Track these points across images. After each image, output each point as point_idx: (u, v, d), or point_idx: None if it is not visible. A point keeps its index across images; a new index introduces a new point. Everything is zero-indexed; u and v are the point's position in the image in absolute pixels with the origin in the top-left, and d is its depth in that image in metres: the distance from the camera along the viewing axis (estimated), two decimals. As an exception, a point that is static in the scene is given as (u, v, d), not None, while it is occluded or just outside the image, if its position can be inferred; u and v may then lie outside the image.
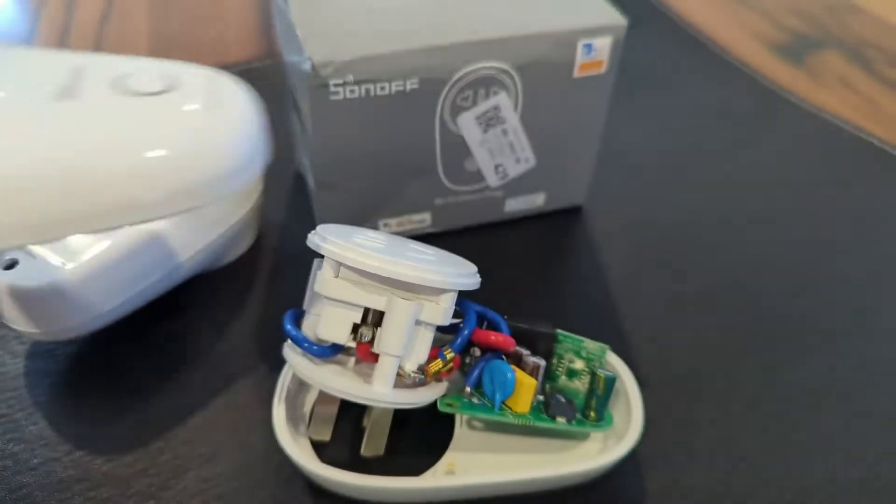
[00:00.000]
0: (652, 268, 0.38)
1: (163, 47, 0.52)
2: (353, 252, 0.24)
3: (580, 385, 0.29)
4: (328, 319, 0.25)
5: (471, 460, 0.28)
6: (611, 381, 0.27)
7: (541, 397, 0.28)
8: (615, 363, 0.30)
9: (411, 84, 0.31)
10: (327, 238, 0.24)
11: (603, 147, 0.38)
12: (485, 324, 0.28)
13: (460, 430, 0.29)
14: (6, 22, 0.55)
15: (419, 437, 0.29)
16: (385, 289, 0.25)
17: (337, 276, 0.25)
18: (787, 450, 0.30)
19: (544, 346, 0.29)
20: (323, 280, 0.24)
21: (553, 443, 0.29)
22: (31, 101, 0.21)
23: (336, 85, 0.30)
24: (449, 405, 0.26)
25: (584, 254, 0.38)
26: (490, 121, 0.34)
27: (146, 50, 0.52)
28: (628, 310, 0.35)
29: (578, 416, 0.28)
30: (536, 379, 0.27)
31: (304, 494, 0.28)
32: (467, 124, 0.34)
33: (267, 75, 0.49)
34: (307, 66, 0.29)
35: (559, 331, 0.29)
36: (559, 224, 0.40)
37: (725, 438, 0.30)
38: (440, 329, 0.26)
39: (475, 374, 0.27)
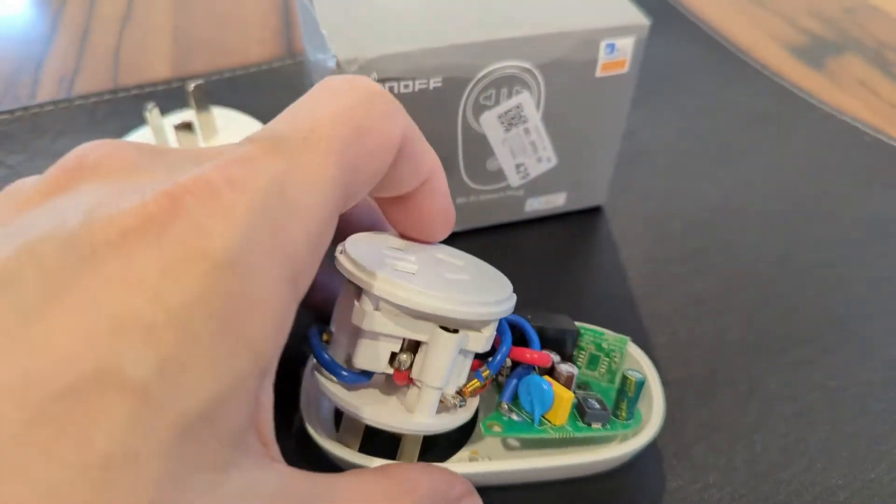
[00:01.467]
0: (672, 267, 0.38)
1: (184, 46, 0.53)
2: (396, 287, 0.22)
3: (599, 375, 0.29)
4: (366, 350, 0.24)
5: (493, 448, 0.28)
6: (640, 384, 0.27)
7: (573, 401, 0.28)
8: (636, 355, 0.30)
9: (435, 82, 0.31)
10: (362, 267, 0.23)
11: (623, 147, 0.38)
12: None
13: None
14: (27, 22, 0.56)
15: None
16: (428, 321, 0.23)
17: (377, 309, 0.23)
18: (807, 449, 0.30)
19: (570, 344, 0.29)
20: (363, 313, 0.23)
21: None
22: None
23: (360, 83, 0.30)
24: (491, 427, 0.27)
25: (604, 253, 0.38)
26: (512, 120, 0.34)
27: (168, 48, 0.52)
28: (648, 309, 0.35)
29: (611, 417, 0.28)
30: (570, 386, 0.27)
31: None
32: (490, 123, 0.34)
33: (288, 74, 0.49)
34: (332, 64, 0.30)
35: (579, 324, 0.29)
36: (580, 224, 0.40)
37: (745, 437, 0.30)
38: None
39: (511, 388, 0.27)
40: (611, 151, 0.38)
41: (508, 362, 0.27)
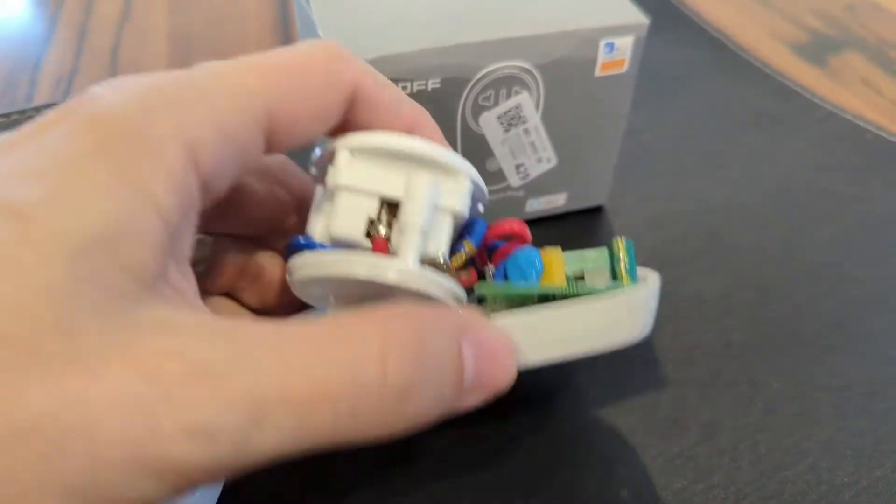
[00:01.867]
0: (673, 267, 0.37)
1: (182, 46, 0.53)
2: (366, 135, 0.23)
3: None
4: (343, 210, 0.23)
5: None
6: (630, 245, 0.26)
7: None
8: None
9: (433, 83, 0.31)
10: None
11: (624, 147, 0.38)
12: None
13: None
14: (25, 23, 0.56)
15: None
16: (402, 168, 0.23)
17: (352, 164, 0.23)
18: (811, 448, 0.30)
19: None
20: (336, 170, 0.23)
21: None
22: None
23: (358, 84, 0.30)
24: (486, 290, 0.25)
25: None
26: (512, 120, 0.34)
27: (165, 48, 0.52)
28: (650, 309, 0.35)
29: (610, 279, 0.26)
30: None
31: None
32: (489, 124, 0.34)
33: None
34: (330, 66, 0.29)
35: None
36: (580, 224, 0.39)
37: (749, 437, 0.30)
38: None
39: (499, 272, 0.26)
40: (611, 151, 0.38)
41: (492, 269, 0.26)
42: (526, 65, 0.32)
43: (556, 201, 0.38)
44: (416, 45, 0.31)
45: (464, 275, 0.24)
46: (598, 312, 0.24)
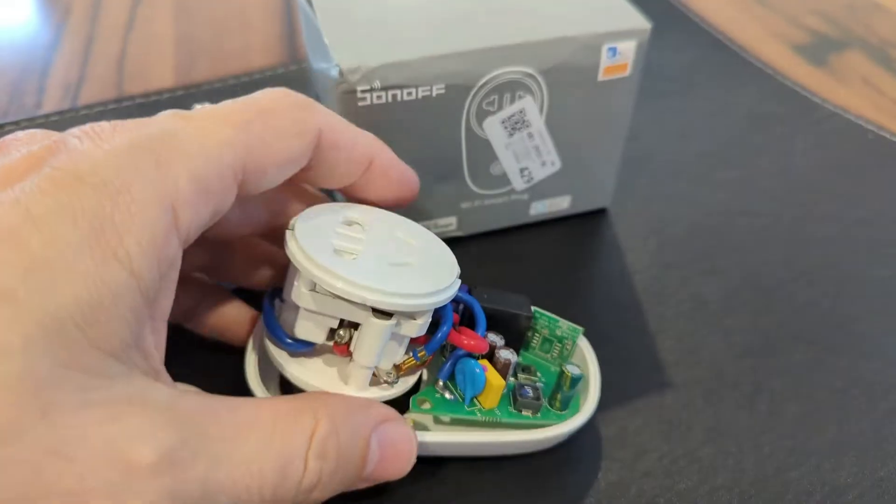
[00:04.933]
0: (678, 269, 0.38)
1: (187, 53, 0.53)
2: (329, 275, 0.23)
3: (551, 357, 0.31)
4: (305, 324, 0.25)
5: (428, 421, 0.29)
6: (576, 380, 0.28)
7: (512, 380, 0.29)
8: (584, 348, 0.31)
9: (437, 89, 0.32)
10: (302, 248, 0.24)
11: (628, 149, 0.38)
12: (461, 307, 0.29)
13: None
14: (32, 31, 0.56)
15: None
16: (361, 307, 0.24)
17: (313, 290, 0.24)
18: (815, 449, 0.30)
19: (520, 328, 0.30)
20: (299, 293, 0.24)
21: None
22: None
23: (363, 91, 0.30)
24: (421, 404, 0.28)
25: (609, 256, 0.38)
26: (515, 125, 0.34)
27: (171, 56, 0.53)
28: (654, 311, 0.35)
29: (545, 405, 0.29)
30: (506, 375, 0.28)
31: None
32: (493, 128, 0.34)
33: (291, 82, 0.49)
34: (335, 73, 0.30)
35: (535, 309, 0.30)
36: (585, 227, 0.40)
37: (753, 438, 0.30)
38: None
39: (447, 366, 0.28)
40: (615, 154, 0.38)
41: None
42: (529, 70, 0.32)
43: (560, 204, 0.39)
44: (421, 53, 0.31)
45: (416, 366, 0.27)
46: (508, 446, 0.29)
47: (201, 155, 0.21)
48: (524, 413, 0.28)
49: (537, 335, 0.30)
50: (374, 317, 0.24)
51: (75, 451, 0.16)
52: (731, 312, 0.36)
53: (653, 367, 0.33)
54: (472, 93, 0.32)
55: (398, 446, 0.24)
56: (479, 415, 0.28)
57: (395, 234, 0.27)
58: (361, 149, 0.27)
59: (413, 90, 0.31)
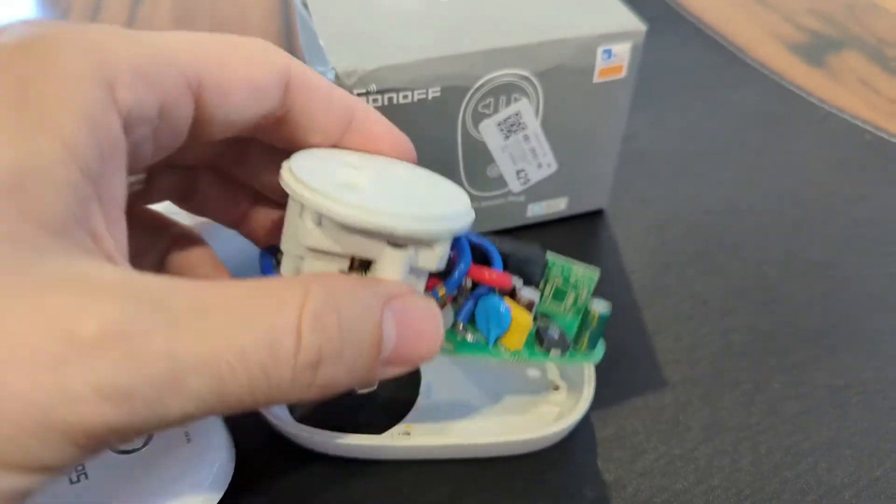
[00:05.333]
0: (675, 269, 0.38)
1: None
2: (335, 202, 0.20)
3: (564, 309, 0.29)
4: (313, 269, 0.22)
5: (428, 425, 0.30)
6: (603, 319, 0.26)
7: (532, 328, 0.27)
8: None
9: (433, 92, 0.32)
10: (304, 182, 0.21)
11: (624, 150, 0.38)
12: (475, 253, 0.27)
13: (422, 398, 0.31)
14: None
15: (383, 404, 0.31)
16: (373, 237, 0.22)
17: (320, 225, 0.21)
18: (812, 448, 0.30)
19: (536, 272, 0.28)
20: (305, 230, 0.22)
21: (512, 411, 0.31)
22: (50, 488, 0.24)
23: (359, 94, 0.30)
24: (446, 350, 0.26)
25: (607, 257, 0.38)
26: (511, 127, 0.34)
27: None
28: (653, 311, 0.35)
29: (571, 349, 0.27)
30: (531, 314, 0.26)
31: (274, 446, 0.30)
32: (489, 131, 0.34)
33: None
34: (331, 76, 0.30)
35: (549, 255, 0.28)
36: (582, 228, 0.40)
37: (750, 438, 0.30)
38: None
39: (468, 307, 0.26)
40: (611, 156, 0.38)
41: (469, 283, 0.26)
42: (525, 72, 0.32)
43: (556, 206, 0.39)
44: (417, 55, 0.31)
45: (443, 301, 0.25)
46: (504, 447, 0.29)
47: (148, 45, 0.20)
48: (552, 353, 0.27)
49: (549, 285, 0.28)
50: (389, 247, 0.21)
51: (8, 327, 0.15)
52: (730, 312, 0.36)
53: (650, 367, 0.33)
54: (468, 95, 0.32)
55: (419, 323, 0.21)
56: (505, 355, 0.26)
57: (395, 171, 0.25)
58: (340, 97, 0.24)
59: (409, 93, 0.31)
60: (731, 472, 0.29)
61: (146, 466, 0.26)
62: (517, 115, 0.34)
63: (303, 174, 0.21)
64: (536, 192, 0.38)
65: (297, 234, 0.22)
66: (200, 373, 0.16)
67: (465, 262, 0.25)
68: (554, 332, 0.27)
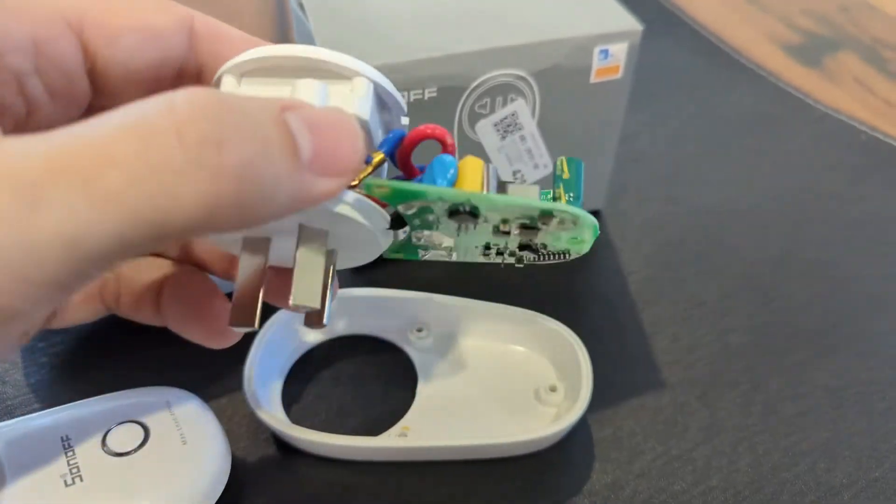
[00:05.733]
0: (672, 270, 0.38)
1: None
2: (248, 53, 0.20)
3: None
4: None
5: (425, 426, 0.30)
6: (575, 162, 0.22)
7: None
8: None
9: (430, 92, 0.32)
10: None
11: (621, 151, 0.38)
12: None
13: (419, 399, 0.31)
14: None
15: (380, 404, 0.31)
16: (291, 82, 0.20)
17: (239, 87, 0.21)
18: (810, 449, 0.30)
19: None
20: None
21: (509, 412, 0.31)
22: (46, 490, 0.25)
23: (355, 94, 0.30)
24: (379, 184, 0.21)
25: (603, 258, 0.38)
26: (508, 127, 0.34)
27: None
28: (650, 312, 0.35)
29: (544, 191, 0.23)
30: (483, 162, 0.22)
31: (270, 447, 0.30)
32: (485, 131, 0.34)
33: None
34: (327, 77, 0.30)
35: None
36: (577, 229, 0.40)
37: (748, 439, 0.30)
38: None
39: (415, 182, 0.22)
40: (607, 156, 0.38)
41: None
42: (521, 73, 0.32)
43: (553, 207, 0.39)
44: (413, 56, 0.31)
45: (374, 156, 0.21)
46: (501, 449, 0.29)
47: None
48: (522, 197, 0.22)
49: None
50: (302, 78, 0.20)
51: None
52: (726, 313, 0.35)
53: (648, 368, 0.33)
54: (465, 96, 0.32)
55: (330, 122, 0.18)
56: (461, 194, 0.21)
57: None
58: (257, 45, 0.22)
59: (405, 93, 0.31)
60: (730, 473, 0.29)
61: (141, 469, 0.26)
62: (513, 115, 0.34)
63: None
64: (533, 192, 0.37)
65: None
66: (61, 183, 0.14)
67: (398, 131, 0.22)
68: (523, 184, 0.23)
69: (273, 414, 0.29)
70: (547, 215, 0.21)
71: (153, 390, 0.29)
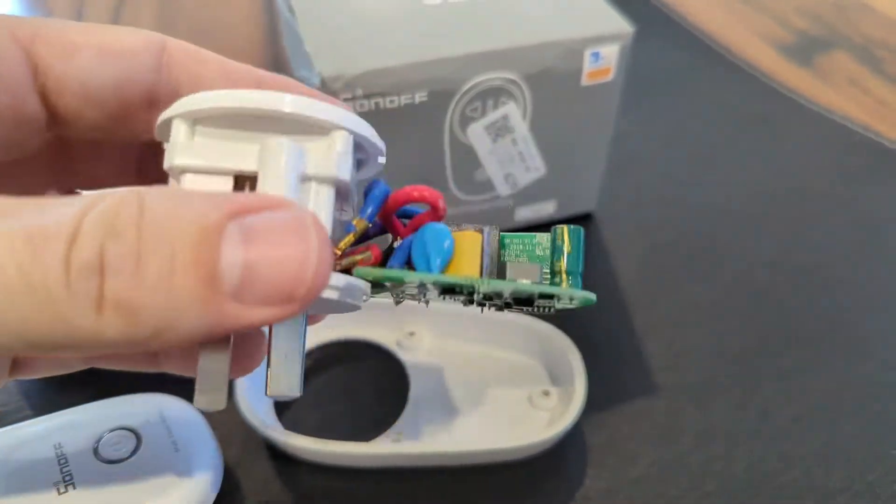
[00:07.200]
0: (665, 274, 0.37)
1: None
2: (195, 97, 0.18)
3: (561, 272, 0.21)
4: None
5: (417, 432, 0.30)
6: (576, 232, 0.20)
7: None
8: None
9: (420, 96, 0.31)
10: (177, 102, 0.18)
11: (613, 153, 0.38)
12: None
13: (412, 404, 0.31)
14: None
15: (372, 410, 0.31)
16: (256, 137, 0.18)
17: (193, 138, 0.18)
18: (806, 453, 0.30)
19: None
20: (174, 145, 0.18)
21: (502, 418, 0.31)
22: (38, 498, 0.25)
23: (345, 99, 0.30)
24: (368, 274, 0.19)
25: (596, 261, 0.38)
26: (499, 131, 0.34)
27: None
28: (642, 317, 0.35)
29: (542, 270, 0.21)
30: (482, 235, 0.21)
31: (262, 454, 0.30)
32: (477, 135, 0.34)
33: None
34: (316, 81, 0.30)
35: (503, 233, 0.21)
36: (571, 232, 0.39)
37: (743, 444, 0.30)
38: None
39: (402, 250, 0.20)
40: (599, 159, 0.38)
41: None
42: (512, 76, 0.32)
43: (545, 209, 0.38)
44: (403, 59, 0.31)
45: (360, 257, 0.20)
46: (493, 454, 0.28)
47: None
48: (521, 280, 0.20)
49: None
50: (271, 136, 0.18)
51: None
52: (721, 316, 0.35)
53: (642, 372, 0.33)
54: (456, 99, 0.32)
55: (279, 239, 0.15)
56: (453, 278, 0.19)
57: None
58: (237, 70, 0.21)
59: (395, 98, 0.31)
60: (725, 478, 0.29)
61: (133, 476, 0.26)
62: (505, 118, 0.33)
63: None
64: (525, 195, 0.37)
65: (166, 155, 0.18)
66: None
67: (380, 188, 0.20)
68: (523, 261, 0.21)
69: (265, 420, 0.29)
70: (547, 297, 0.20)
71: (145, 397, 0.29)
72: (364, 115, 0.30)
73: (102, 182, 0.23)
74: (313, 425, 0.30)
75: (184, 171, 0.18)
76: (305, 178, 0.18)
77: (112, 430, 0.27)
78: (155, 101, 0.20)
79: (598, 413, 0.31)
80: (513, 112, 0.33)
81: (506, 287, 0.20)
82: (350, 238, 0.19)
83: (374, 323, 0.33)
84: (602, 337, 0.34)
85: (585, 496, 0.28)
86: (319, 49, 0.31)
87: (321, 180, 0.18)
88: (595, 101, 0.35)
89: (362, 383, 0.32)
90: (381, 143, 0.20)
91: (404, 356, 0.33)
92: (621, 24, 0.33)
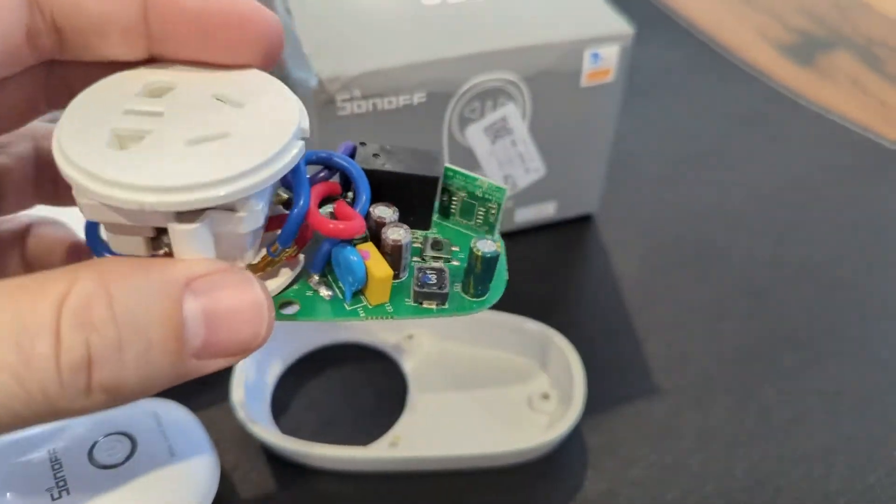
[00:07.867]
0: (665, 274, 0.37)
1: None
2: (85, 177, 0.17)
3: (476, 225, 0.23)
4: (116, 239, 0.19)
5: (416, 436, 0.30)
6: (490, 260, 0.21)
7: (416, 261, 0.22)
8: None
9: (418, 97, 0.31)
10: (62, 148, 0.17)
11: (613, 154, 0.38)
12: (336, 175, 0.22)
13: (410, 407, 0.31)
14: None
15: (371, 414, 0.31)
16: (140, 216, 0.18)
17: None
18: (805, 455, 0.30)
19: (424, 194, 0.22)
20: (80, 205, 0.18)
21: (501, 421, 0.31)
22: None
23: (343, 100, 0.30)
24: (285, 308, 0.20)
25: (596, 262, 0.38)
26: (498, 132, 0.34)
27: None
28: (642, 317, 0.35)
29: (454, 292, 0.22)
30: (399, 260, 0.21)
31: (259, 458, 0.30)
32: (475, 136, 0.33)
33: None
34: (314, 83, 0.29)
35: (449, 166, 0.22)
36: (570, 233, 0.39)
37: (743, 445, 0.30)
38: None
39: (322, 252, 0.21)
40: (600, 160, 0.38)
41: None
42: (511, 77, 0.32)
43: (545, 211, 0.38)
44: (401, 60, 0.30)
45: (287, 254, 0.20)
46: (490, 459, 0.28)
47: None
48: (426, 306, 0.21)
49: (455, 199, 0.23)
50: (175, 222, 0.17)
51: None
52: (720, 317, 0.35)
53: (641, 374, 0.33)
54: (454, 100, 0.32)
55: (231, 300, 0.17)
56: (362, 314, 0.21)
57: (212, 97, 0.19)
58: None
59: (393, 98, 0.31)
60: (725, 480, 0.29)
61: (129, 481, 0.25)
62: (504, 119, 0.33)
63: (70, 129, 0.18)
64: (525, 197, 0.37)
65: (79, 206, 0.18)
66: None
67: (299, 208, 0.19)
68: (430, 277, 0.21)
69: (262, 424, 0.29)
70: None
71: (140, 401, 0.29)
72: (362, 117, 0.31)
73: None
74: (310, 429, 0.30)
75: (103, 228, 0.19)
76: (226, 235, 0.18)
77: (107, 435, 0.27)
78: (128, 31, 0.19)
79: (597, 414, 0.31)
80: (512, 113, 0.33)
81: (408, 317, 0.21)
82: (267, 259, 0.20)
83: (373, 326, 0.33)
84: (601, 338, 0.34)
85: (585, 498, 0.28)
86: (317, 50, 0.31)
87: (242, 234, 0.19)
88: (595, 102, 0.35)
89: (360, 387, 0.32)
90: (293, 155, 0.18)
91: (403, 359, 0.33)
92: (621, 25, 0.33)
